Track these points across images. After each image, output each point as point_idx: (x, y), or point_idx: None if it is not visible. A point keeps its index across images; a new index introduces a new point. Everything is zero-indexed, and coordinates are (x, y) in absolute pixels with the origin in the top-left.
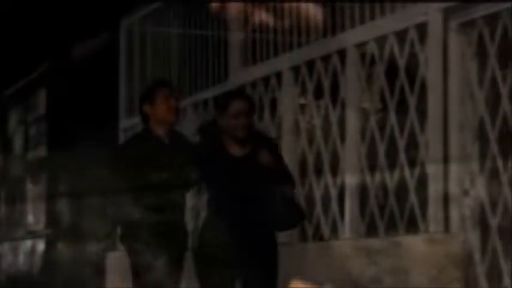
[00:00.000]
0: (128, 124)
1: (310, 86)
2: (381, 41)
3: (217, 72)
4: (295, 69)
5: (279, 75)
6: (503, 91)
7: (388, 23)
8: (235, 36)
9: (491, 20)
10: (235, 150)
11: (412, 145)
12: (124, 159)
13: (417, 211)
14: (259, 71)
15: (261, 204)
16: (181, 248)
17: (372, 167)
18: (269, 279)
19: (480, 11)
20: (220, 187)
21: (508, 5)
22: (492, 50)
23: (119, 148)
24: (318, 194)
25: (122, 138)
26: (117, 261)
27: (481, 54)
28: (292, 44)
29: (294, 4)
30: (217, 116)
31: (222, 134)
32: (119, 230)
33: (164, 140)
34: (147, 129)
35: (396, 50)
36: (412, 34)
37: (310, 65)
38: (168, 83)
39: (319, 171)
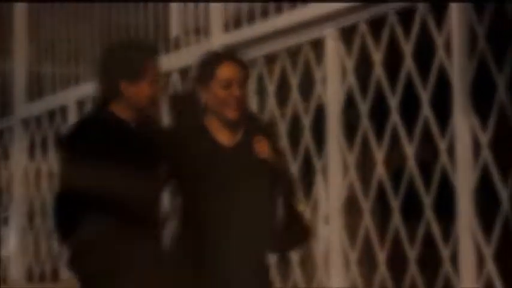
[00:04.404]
0: None
1: None
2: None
3: (1, 106)
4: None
5: (63, 110)
6: (306, 122)
7: None
8: (21, 70)
9: (270, 59)
10: (224, 137)
11: None
12: (81, 152)
13: None
14: (44, 105)
15: (256, 214)
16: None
17: None
18: None
19: (258, 51)
20: (201, 188)
21: (284, 45)
22: (271, 88)
23: (70, 140)
24: None
25: None
26: None
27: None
28: (78, 77)
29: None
30: (198, 87)
31: (204, 113)
32: (65, 250)
33: (131, 125)
34: (108, 110)
35: None
36: None
37: None
38: (156, 56)
39: None
